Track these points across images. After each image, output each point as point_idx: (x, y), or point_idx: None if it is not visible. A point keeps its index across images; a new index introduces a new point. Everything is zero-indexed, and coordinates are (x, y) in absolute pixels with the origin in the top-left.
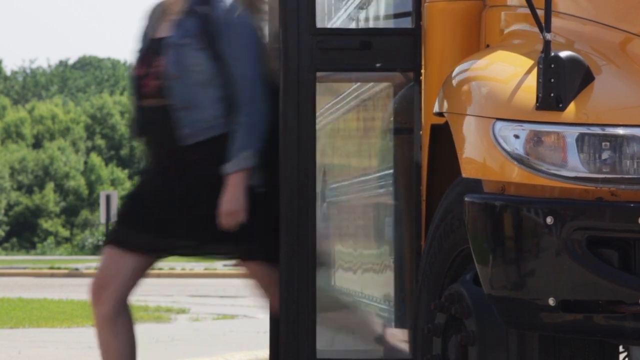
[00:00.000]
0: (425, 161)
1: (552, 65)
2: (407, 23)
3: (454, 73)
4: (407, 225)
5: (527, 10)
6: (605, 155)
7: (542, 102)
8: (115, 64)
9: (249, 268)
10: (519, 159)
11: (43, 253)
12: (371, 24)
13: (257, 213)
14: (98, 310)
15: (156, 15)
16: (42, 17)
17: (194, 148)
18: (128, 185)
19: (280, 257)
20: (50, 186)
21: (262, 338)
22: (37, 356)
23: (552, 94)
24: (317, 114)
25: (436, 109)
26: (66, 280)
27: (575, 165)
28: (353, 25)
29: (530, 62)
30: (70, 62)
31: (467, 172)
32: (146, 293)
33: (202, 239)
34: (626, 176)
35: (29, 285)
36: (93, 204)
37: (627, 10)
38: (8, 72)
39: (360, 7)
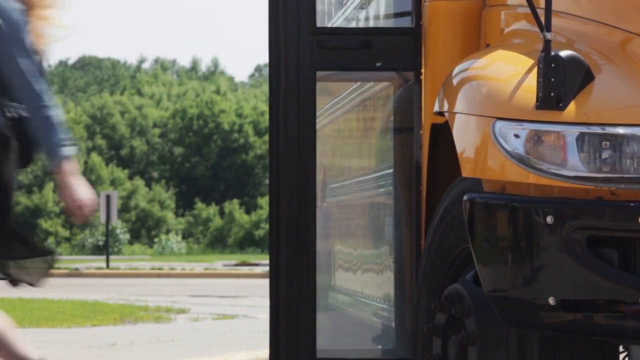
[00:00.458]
0: (425, 161)
1: (552, 65)
2: (407, 22)
3: (454, 72)
4: (407, 225)
5: (527, 10)
6: (605, 154)
7: (542, 102)
8: (115, 64)
9: None
10: (519, 159)
11: None
12: (371, 24)
13: None
14: None
15: None
16: None
17: None
18: (128, 185)
19: (281, 257)
20: (49, 186)
21: (262, 338)
22: None
23: (552, 94)
24: (317, 113)
25: (436, 108)
26: (66, 280)
27: (576, 164)
28: (353, 25)
29: (530, 62)
30: (70, 62)
31: (467, 171)
32: (146, 293)
33: None
34: (626, 175)
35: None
36: None
37: (627, 10)
38: None
39: (361, 6)
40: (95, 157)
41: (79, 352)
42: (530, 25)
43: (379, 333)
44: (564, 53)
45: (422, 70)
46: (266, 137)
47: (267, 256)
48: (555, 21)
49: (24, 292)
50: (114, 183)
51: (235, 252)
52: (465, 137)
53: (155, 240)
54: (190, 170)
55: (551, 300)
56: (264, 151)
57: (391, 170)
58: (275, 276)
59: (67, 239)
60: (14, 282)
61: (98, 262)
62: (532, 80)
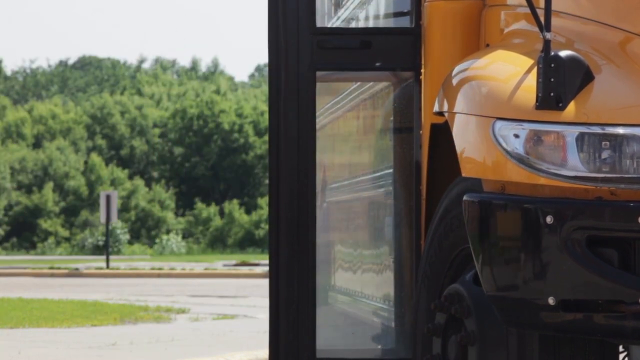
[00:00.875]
0: (425, 161)
1: (552, 65)
2: (407, 22)
3: (454, 72)
4: (407, 225)
5: (527, 10)
6: (605, 154)
7: (542, 102)
8: (115, 64)
9: None
10: (518, 159)
11: (43, 253)
12: (371, 24)
13: None
14: None
15: None
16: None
17: None
18: (128, 185)
19: (281, 256)
20: (49, 186)
21: (262, 338)
22: (37, 356)
23: (552, 94)
24: (317, 113)
25: (436, 108)
26: (66, 280)
27: (575, 164)
28: (353, 25)
29: (530, 62)
30: (70, 62)
31: (466, 171)
32: (146, 293)
33: None
34: (626, 175)
35: (29, 285)
36: (93, 204)
37: (627, 10)
38: (8, 72)
39: (360, 6)
40: (95, 157)
41: (79, 352)
42: (530, 25)
43: (378, 333)
44: (563, 53)
45: (422, 70)
46: (266, 137)
47: (267, 256)
48: (555, 21)
49: (24, 292)
50: (114, 183)
51: (235, 252)
52: (465, 137)
53: (156, 240)
54: (190, 170)
55: (551, 300)
56: (263, 151)
57: (391, 170)
58: (275, 276)
59: (67, 239)
60: None
61: (98, 262)
62: (531, 80)
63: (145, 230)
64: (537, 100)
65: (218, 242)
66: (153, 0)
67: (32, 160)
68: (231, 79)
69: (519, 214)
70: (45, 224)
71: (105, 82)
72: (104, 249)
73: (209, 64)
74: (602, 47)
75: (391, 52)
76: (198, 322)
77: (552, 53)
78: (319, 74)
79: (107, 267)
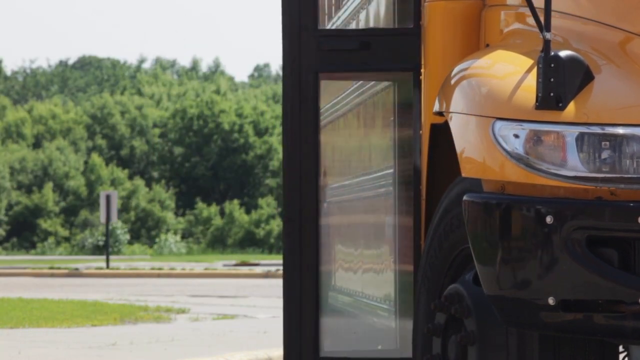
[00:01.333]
0: (425, 161)
1: (552, 65)
2: (407, 22)
3: (454, 72)
4: (407, 225)
5: (527, 10)
6: (605, 154)
7: (541, 102)
8: (115, 64)
9: None
10: (518, 159)
11: (43, 253)
12: (371, 24)
13: None
14: None
15: None
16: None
17: None
18: (128, 185)
19: (284, 256)
20: (49, 186)
21: (262, 338)
22: (37, 356)
23: (551, 94)
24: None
25: (436, 108)
26: (66, 280)
27: (575, 164)
28: (353, 26)
29: (530, 62)
30: (70, 62)
31: (466, 171)
32: (146, 293)
33: None
34: (626, 175)
35: (29, 285)
36: (93, 204)
37: (627, 10)
38: (8, 72)
39: (360, 7)
40: (95, 157)
41: (79, 352)
42: (530, 25)
43: (379, 333)
44: (563, 53)
45: (422, 70)
46: (266, 137)
47: (267, 256)
48: (555, 21)
49: (24, 292)
50: (114, 183)
51: (236, 252)
52: (465, 137)
53: (157, 240)
54: (190, 170)
55: (551, 300)
56: (263, 151)
57: (391, 171)
58: (289, 276)
59: (67, 239)
60: None
61: (98, 262)
62: (531, 80)
63: (145, 230)
64: (537, 100)
65: (218, 242)
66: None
67: (32, 160)
68: (231, 79)
69: (518, 214)
70: (45, 224)
71: (105, 82)
72: (104, 249)
73: (210, 64)
74: (602, 47)
75: (391, 52)
76: (198, 322)
77: (552, 53)
78: (320, 74)
79: (107, 267)
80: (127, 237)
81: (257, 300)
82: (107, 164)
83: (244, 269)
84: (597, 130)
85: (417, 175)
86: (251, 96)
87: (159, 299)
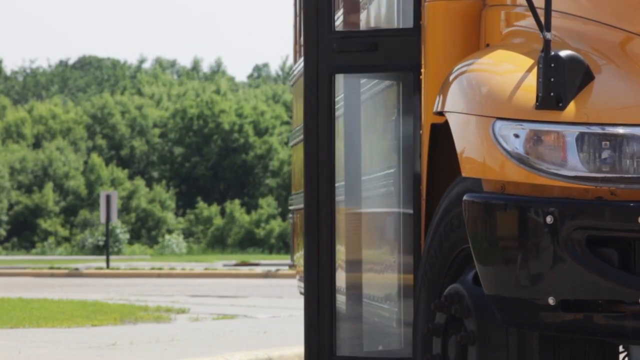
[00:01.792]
0: (425, 161)
1: (552, 65)
2: (407, 23)
3: (454, 72)
4: (407, 225)
5: (527, 10)
6: (605, 154)
7: (542, 102)
8: (115, 64)
9: None
10: (518, 158)
11: (43, 253)
12: (371, 24)
13: None
14: None
15: None
16: (42, 17)
17: None
18: (128, 185)
19: (305, 254)
20: (49, 186)
21: (262, 338)
22: (37, 356)
23: (552, 93)
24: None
25: (436, 108)
26: (66, 280)
27: (575, 164)
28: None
29: (530, 62)
30: (70, 62)
31: (466, 171)
32: (146, 293)
33: None
34: (626, 175)
35: (29, 285)
36: (92, 204)
37: (627, 10)
38: (8, 72)
39: (361, 7)
40: (95, 157)
41: (79, 352)
42: (530, 25)
43: (379, 333)
44: (563, 53)
45: (422, 70)
46: (266, 137)
47: (267, 256)
48: (555, 21)
49: (24, 292)
50: (114, 183)
51: (236, 252)
52: (465, 137)
53: (159, 240)
54: (190, 170)
55: (551, 300)
56: (263, 151)
57: (391, 170)
58: (311, 278)
59: (67, 239)
60: None
61: (98, 262)
62: (532, 80)
63: (145, 230)
64: (537, 100)
65: (218, 242)
66: (153, 0)
67: (32, 160)
68: (232, 79)
69: (518, 214)
70: (45, 224)
71: (105, 82)
72: (104, 249)
73: (211, 64)
74: (602, 47)
75: (391, 52)
76: (198, 322)
77: (552, 53)
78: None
79: (107, 267)
80: (127, 237)
81: (257, 300)
82: (107, 164)
83: (244, 269)
84: (597, 130)
85: (417, 175)
86: (251, 96)
87: (159, 299)
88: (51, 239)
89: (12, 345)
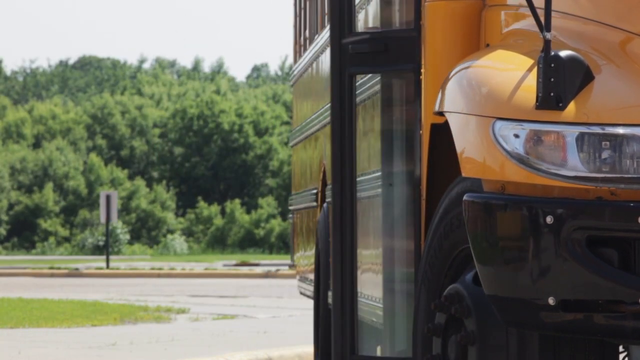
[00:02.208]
0: (425, 161)
1: (552, 65)
2: (407, 23)
3: (454, 72)
4: (407, 225)
5: (527, 10)
6: (605, 154)
7: (542, 102)
8: (115, 64)
9: None
10: (518, 159)
11: (43, 253)
12: (370, 25)
13: None
14: None
15: None
16: (42, 17)
17: None
18: (128, 185)
19: (332, 255)
20: (49, 186)
21: (262, 338)
22: (37, 356)
23: (552, 93)
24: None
25: (436, 108)
26: (66, 280)
27: (575, 164)
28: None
29: (530, 62)
30: (70, 62)
31: (466, 171)
32: (146, 293)
33: None
34: (626, 175)
35: (29, 285)
36: (92, 204)
37: (627, 10)
38: (8, 72)
39: (360, 8)
40: (95, 157)
41: (79, 352)
42: (530, 25)
43: (379, 333)
44: (563, 53)
45: (422, 70)
46: (266, 137)
47: (267, 256)
48: (555, 21)
49: (24, 292)
50: (114, 183)
51: (236, 252)
52: (465, 137)
53: (161, 240)
54: (190, 170)
55: (551, 300)
56: (263, 151)
57: (391, 171)
58: (336, 274)
59: (67, 239)
60: None
61: (98, 262)
62: (532, 80)
63: (145, 230)
64: (537, 100)
65: (218, 242)
66: (153, 0)
67: (32, 160)
68: (232, 79)
69: (519, 214)
70: (45, 223)
71: (105, 82)
72: (104, 249)
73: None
74: (602, 47)
75: (391, 52)
76: (198, 322)
77: (552, 53)
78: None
79: (107, 267)
80: (127, 237)
81: (257, 300)
82: (106, 164)
83: (244, 269)
84: (597, 130)
85: (417, 175)
86: (251, 96)
87: (159, 299)
88: (51, 239)
89: (12, 345)
